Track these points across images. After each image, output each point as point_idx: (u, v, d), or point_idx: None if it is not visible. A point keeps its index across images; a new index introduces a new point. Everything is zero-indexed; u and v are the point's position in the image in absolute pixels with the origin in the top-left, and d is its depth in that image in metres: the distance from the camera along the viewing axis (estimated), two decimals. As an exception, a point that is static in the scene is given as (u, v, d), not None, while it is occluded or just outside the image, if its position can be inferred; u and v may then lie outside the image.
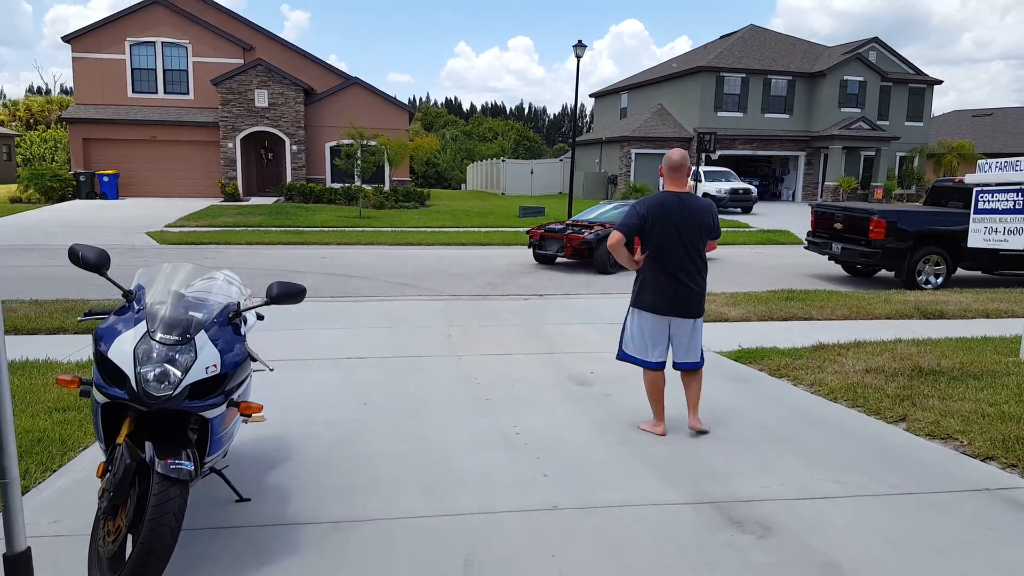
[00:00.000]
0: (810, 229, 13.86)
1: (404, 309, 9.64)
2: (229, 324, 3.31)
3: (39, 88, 64.17)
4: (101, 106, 28.92)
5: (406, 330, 8.34)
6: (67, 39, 28.62)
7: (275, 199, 28.57)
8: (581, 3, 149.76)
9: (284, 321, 8.70)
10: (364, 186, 26.85)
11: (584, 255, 13.33)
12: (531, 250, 14.71)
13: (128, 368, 2.93)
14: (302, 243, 16.85)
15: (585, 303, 10.34)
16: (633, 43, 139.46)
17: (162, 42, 29.23)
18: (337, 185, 29.60)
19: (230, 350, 3.18)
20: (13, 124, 50.38)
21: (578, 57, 23.95)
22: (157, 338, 2.98)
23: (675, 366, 4.98)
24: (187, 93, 29.81)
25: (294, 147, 29.59)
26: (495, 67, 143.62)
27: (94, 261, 3.29)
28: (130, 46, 29.04)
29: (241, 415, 3.40)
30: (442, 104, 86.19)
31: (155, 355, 2.95)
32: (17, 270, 12.31)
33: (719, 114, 36.31)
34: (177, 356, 2.96)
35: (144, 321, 3.05)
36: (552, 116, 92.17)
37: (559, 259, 14.29)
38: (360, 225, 20.81)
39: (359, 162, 25.24)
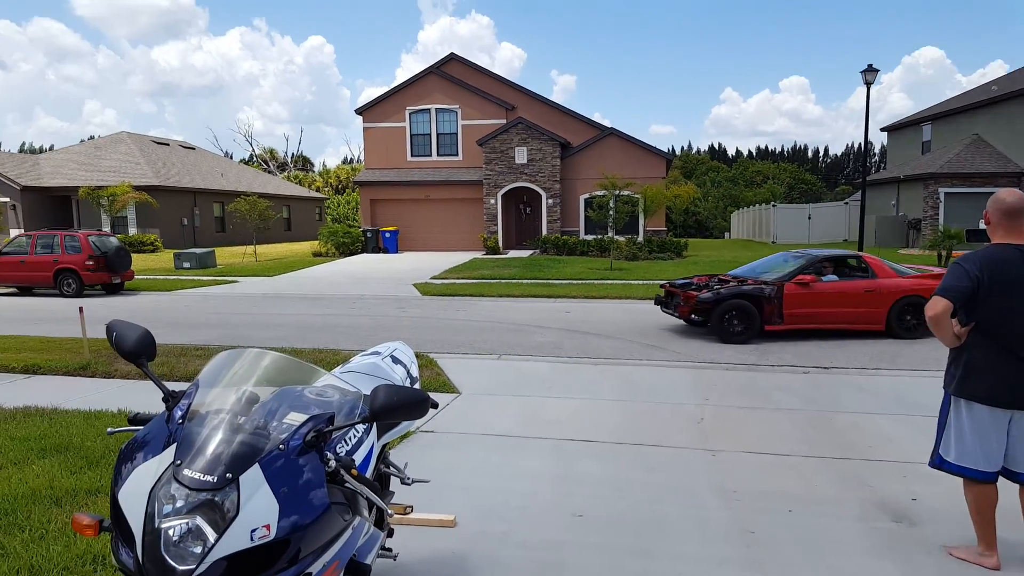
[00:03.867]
0: None
1: (647, 377, 8.19)
2: (305, 453, 2.13)
3: (348, 159, 74.66)
4: (385, 170, 31.93)
5: (647, 405, 6.88)
6: (359, 111, 32.23)
7: (531, 252, 28.92)
8: (865, 35, 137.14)
9: (509, 384, 7.80)
10: (616, 237, 25.95)
11: (700, 316, 10.47)
12: (658, 307, 12.01)
13: (136, 522, 1.94)
14: (549, 296, 16.22)
15: (891, 383, 7.93)
16: (931, 72, 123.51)
17: (436, 108, 31.59)
18: (590, 237, 29.14)
19: (300, 500, 2.02)
20: (326, 189, 58.78)
21: (868, 84, 21.19)
22: (184, 475, 1.96)
23: (1011, 476, 3.63)
24: (456, 154, 31.75)
25: (550, 200, 29.84)
26: (765, 110, 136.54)
27: (129, 347, 2.38)
28: (409, 114, 31.82)
29: None
30: (705, 151, 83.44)
31: (178, 504, 1.93)
32: (297, 318, 13.17)
33: (1058, 143, 29.48)
34: (205, 509, 1.92)
35: (176, 445, 2.05)
36: (834, 156, 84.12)
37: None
38: (610, 277, 19.78)
39: (611, 212, 24.43)
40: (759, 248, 32.83)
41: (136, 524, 1.91)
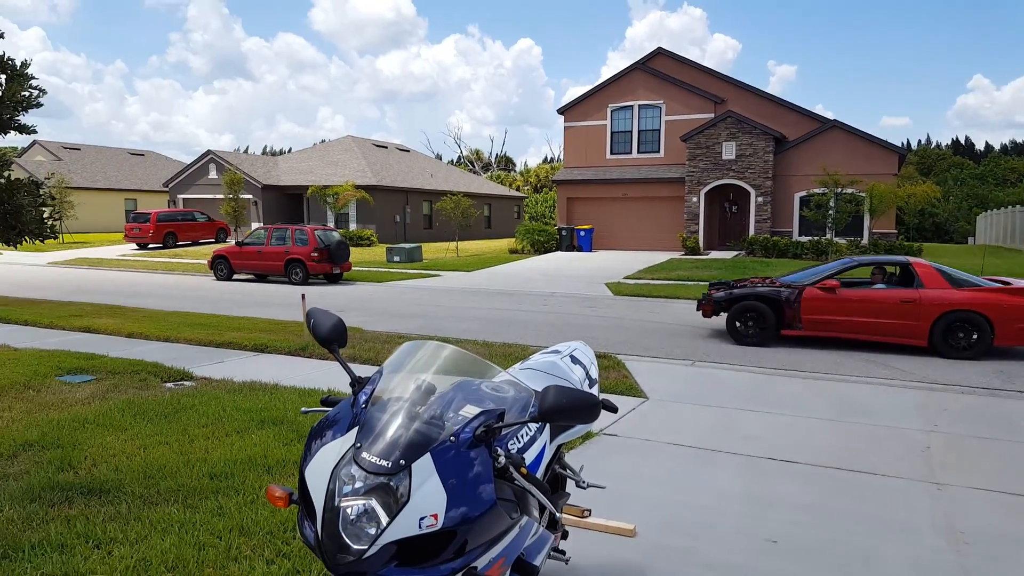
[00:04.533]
0: None
1: (865, 396, 7.40)
2: (475, 447, 2.13)
3: (548, 158, 76.48)
4: (584, 168, 32.16)
5: (861, 427, 6.22)
6: (561, 111, 32.75)
7: (735, 253, 27.57)
8: None
9: (702, 392, 7.44)
10: (836, 239, 23.90)
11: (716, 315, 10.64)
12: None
13: (318, 498, 2.04)
14: (753, 301, 15.30)
15: None
16: None
17: (639, 105, 31.19)
18: (804, 239, 27.11)
19: (467, 493, 2.03)
20: (525, 188, 60.66)
21: None
22: (362, 458, 2.04)
23: None
24: (658, 151, 31.13)
25: (759, 199, 28.22)
26: (1022, 99, 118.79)
27: (324, 334, 2.56)
28: (611, 111, 31.74)
29: None
30: (947, 146, 74.29)
31: (356, 484, 2.00)
32: (490, 312, 13.70)
33: None
34: (380, 492, 1.97)
35: (358, 428, 2.14)
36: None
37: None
38: (825, 283, 18.24)
39: (831, 212, 22.52)
40: (1009, 256, 28.52)
41: (318, 500, 2.04)
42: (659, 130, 31.08)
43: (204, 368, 8.41)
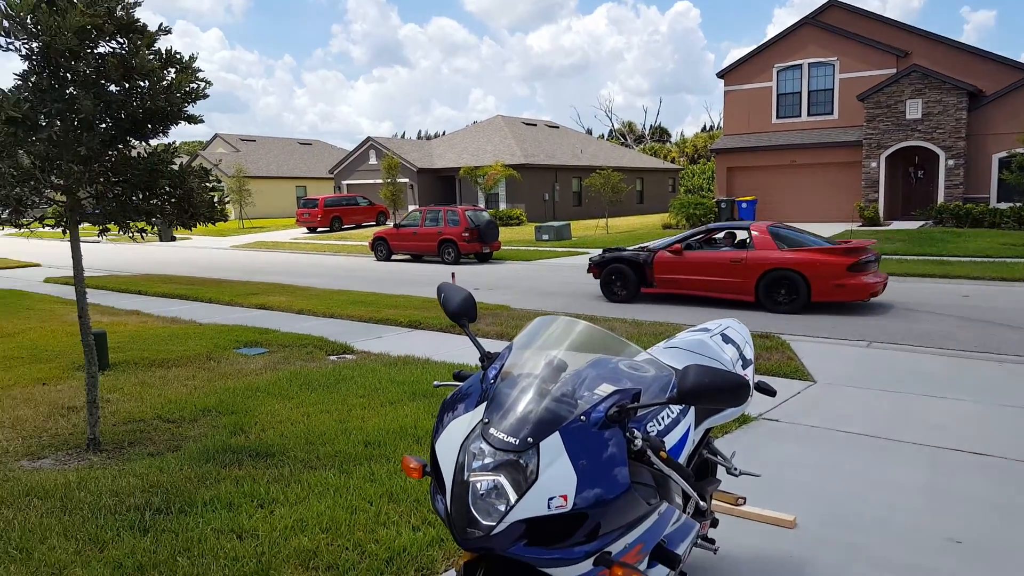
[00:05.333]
0: None
1: (1079, 383, 6.49)
2: (608, 428, 2.04)
3: (707, 126, 73.61)
4: (745, 135, 30.60)
5: (1074, 420, 5.45)
6: (720, 75, 31.28)
7: (921, 223, 25.13)
8: None
9: (878, 376, 6.86)
10: (1046, 205, 21.08)
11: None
12: None
13: (448, 471, 2.05)
14: (942, 276, 13.89)
15: None
16: None
17: (808, 63, 29.12)
18: (1004, 205, 24.18)
19: (599, 475, 1.95)
20: (681, 160, 58.81)
21: None
22: (490, 434, 2.02)
23: None
24: (831, 113, 28.95)
25: (950, 162, 25.47)
26: None
27: (453, 308, 2.58)
28: (777, 72, 29.88)
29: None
30: None
31: (485, 460, 1.99)
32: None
33: None
34: (508, 469, 1.94)
35: (487, 403, 2.12)
36: None
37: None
38: (1033, 255, 16.20)
39: (1040, 174, 19.90)
40: None
41: (447, 474, 2.06)
42: (832, 90, 28.88)
43: (363, 343, 8.93)
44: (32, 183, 4.83)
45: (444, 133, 64.68)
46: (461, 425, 2.12)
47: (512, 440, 1.97)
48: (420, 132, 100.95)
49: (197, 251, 26.96)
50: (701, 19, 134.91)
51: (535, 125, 46.09)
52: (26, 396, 6.45)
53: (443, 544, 3.48)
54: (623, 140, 68.47)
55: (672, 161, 56.65)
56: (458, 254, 20.12)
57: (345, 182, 41.93)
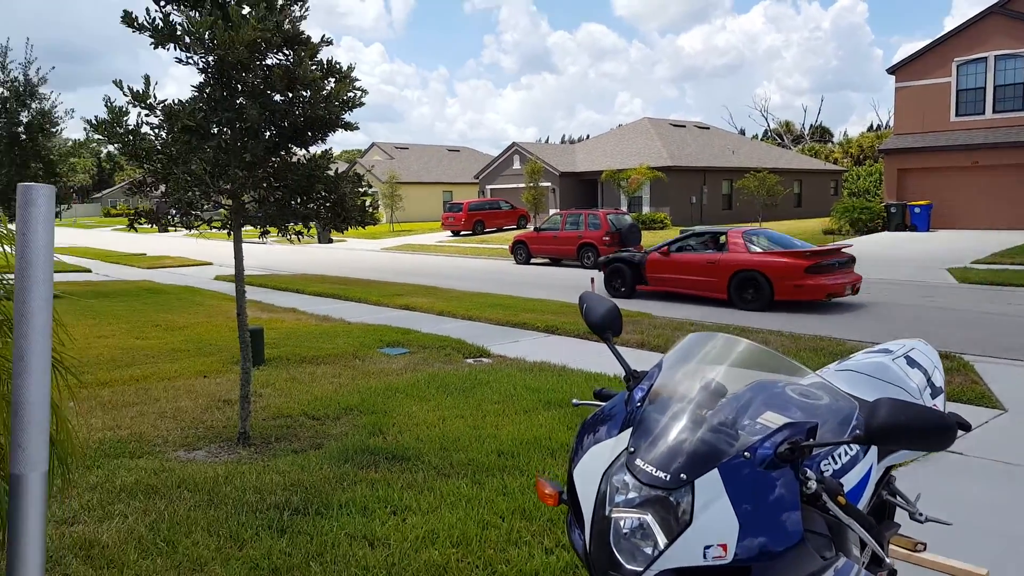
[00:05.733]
0: None
1: None
2: (777, 467, 1.73)
3: (875, 125, 68.56)
4: (919, 134, 28.07)
5: None
6: (891, 70, 28.89)
7: None
8: None
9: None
10: None
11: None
12: None
13: (587, 503, 1.82)
14: None
15: None
16: None
17: (994, 56, 26.25)
18: None
19: (766, 522, 1.65)
20: (844, 161, 55.10)
21: None
22: (636, 466, 1.77)
23: None
24: (1021, 109, 25.95)
25: None
26: None
27: (596, 320, 2.35)
28: (957, 66, 27.18)
29: None
30: None
31: (630, 495, 1.74)
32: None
33: None
34: (657, 507, 1.69)
35: (631, 429, 1.87)
36: None
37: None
38: None
39: None
40: None
41: (587, 506, 1.85)
42: (1023, 84, 25.91)
43: (500, 346, 8.90)
44: (202, 187, 5.14)
45: (589, 136, 64.48)
46: (603, 451, 1.90)
47: (662, 475, 1.73)
48: (564, 137, 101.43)
49: (350, 253, 28.41)
50: (869, 13, 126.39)
51: (683, 126, 44.83)
52: (188, 387, 6.91)
53: (578, 572, 3.27)
54: (780, 140, 65.17)
55: (835, 162, 53.26)
56: (597, 258, 19.82)
57: (489, 187, 42.77)
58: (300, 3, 5.16)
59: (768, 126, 69.47)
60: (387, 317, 11.41)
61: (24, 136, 13.02)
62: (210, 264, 22.74)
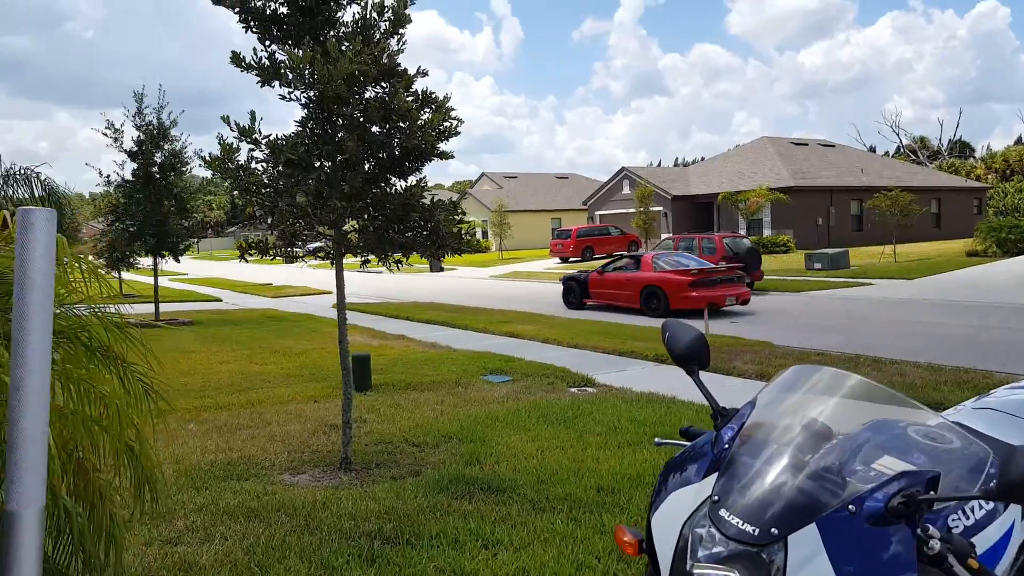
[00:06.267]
0: None
1: None
2: (889, 523, 1.49)
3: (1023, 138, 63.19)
4: (1078, 143, 25.57)
5: None
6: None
7: None
8: None
9: None
10: None
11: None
12: None
13: (664, 555, 1.65)
14: None
15: None
16: None
17: None
18: None
19: None
20: (988, 177, 51.02)
21: None
22: (720, 518, 1.58)
23: None
24: None
25: None
26: None
27: (680, 351, 2.14)
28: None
29: None
30: None
31: (714, 548, 1.56)
32: (939, 328, 11.67)
33: None
34: (744, 565, 1.50)
35: (717, 475, 1.68)
36: None
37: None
38: None
39: None
40: None
41: (664, 559, 1.69)
42: None
43: (606, 375, 8.68)
44: (306, 219, 5.33)
45: (702, 159, 63.10)
46: (685, 498, 1.73)
47: (750, 528, 1.53)
48: (677, 160, 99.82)
49: (460, 280, 28.94)
50: (1012, 18, 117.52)
51: (806, 145, 43.03)
52: (299, 412, 7.14)
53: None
54: (914, 157, 61.27)
55: (977, 179, 49.43)
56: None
57: (598, 212, 42.57)
58: (397, 37, 5.29)
59: (900, 142, 65.61)
60: (492, 344, 11.44)
61: (158, 175, 14.14)
62: (330, 293, 23.75)
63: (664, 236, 34.26)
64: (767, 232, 34.36)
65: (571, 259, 34.66)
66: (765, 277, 20.79)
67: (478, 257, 42.45)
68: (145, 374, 2.58)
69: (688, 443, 2.04)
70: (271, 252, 5.59)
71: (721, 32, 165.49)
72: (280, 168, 5.21)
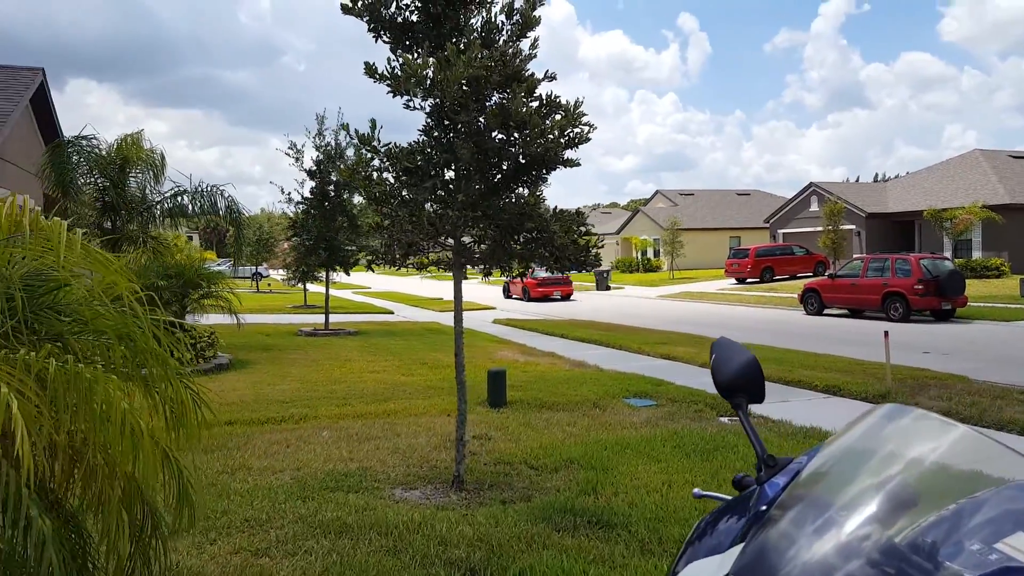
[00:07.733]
0: None
1: None
2: None
3: None
4: None
5: None
6: None
7: None
8: None
9: None
10: None
11: None
12: None
13: None
14: None
15: None
16: None
17: None
18: None
19: None
20: None
21: None
22: None
23: None
24: None
25: None
26: None
27: (726, 378, 1.61)
28: None
29: None
30: None
31: None
32: None
33: None
34: None
35: (744, 546, 1.21)
36: None
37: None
38: None
39: None
40: None
41: None
42: None
43: (764, 406, 7.83)
44: (421, 229, 5.23)
45: (906, 175, 57.67)
46: (704, 570, 1.28)
47: None
48: (877, 175, 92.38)
49: (625, 299, 28.31)
50: None
51: (1026, 157, 37.92)
52: (429, 425, 7.08)
53: None
54: None
55: None
56: (907, 310, 17.17)
57: (781, 231, 40.07)
58: (528, 41, 5.05)
59: None
60: (643, 366, 10.87)
61: (332, 192, 15.00)
62: (494, 308, 24.14)
63: (855, 256, 31.49)
64: (976, 254, 30.52)
65: (749, 280, 32.79)
66: (970, 304, 18.36)
67: (647, 276, 41.43)
68: (192, 382, 2.49)
69: (726, 498, 1.57)
70: (396, 262, 5.56)
71: (932, 39, 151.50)
72: (399, 176, 5.15)
